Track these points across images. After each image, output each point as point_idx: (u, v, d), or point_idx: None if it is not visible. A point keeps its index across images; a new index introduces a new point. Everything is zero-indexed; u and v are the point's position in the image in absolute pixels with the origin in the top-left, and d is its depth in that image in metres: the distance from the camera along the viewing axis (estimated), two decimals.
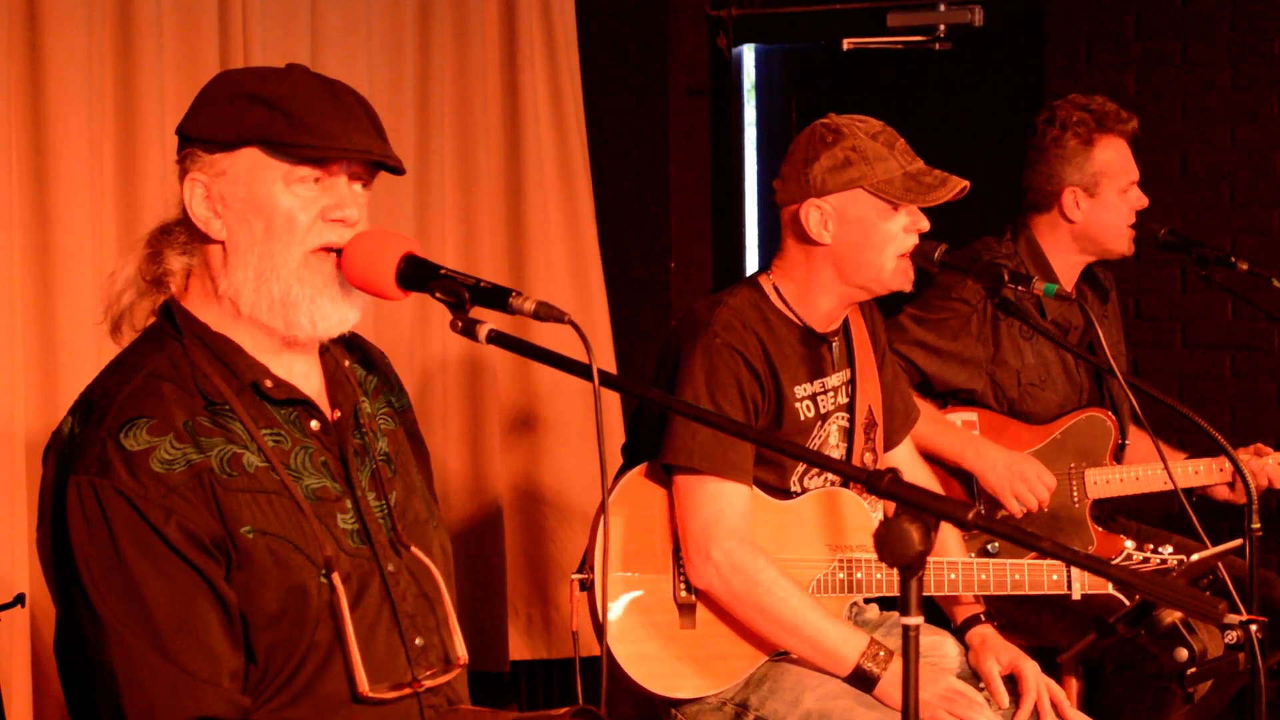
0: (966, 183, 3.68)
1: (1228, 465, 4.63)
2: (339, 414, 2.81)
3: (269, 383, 2.72)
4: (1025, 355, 4.66)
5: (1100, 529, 4.66)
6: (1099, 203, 4.66)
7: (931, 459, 4.42)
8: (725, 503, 3.64)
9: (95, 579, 2.57)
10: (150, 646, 2.56)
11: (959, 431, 4.54)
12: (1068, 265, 4.76)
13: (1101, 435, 4.68)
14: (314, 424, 2.77)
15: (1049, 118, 4.70)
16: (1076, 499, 4.62)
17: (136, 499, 2.55)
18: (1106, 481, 4.65)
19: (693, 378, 3.66)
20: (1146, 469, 4.66)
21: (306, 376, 2.80)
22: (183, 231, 2.75)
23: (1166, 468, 4.22)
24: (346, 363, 2.89)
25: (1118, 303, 5.05)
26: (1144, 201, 4.72)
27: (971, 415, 4.63)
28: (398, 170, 2.76)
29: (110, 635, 2.57)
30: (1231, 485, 4.77)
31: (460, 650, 2.86)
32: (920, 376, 4.60)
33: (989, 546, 4.38)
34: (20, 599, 3.97)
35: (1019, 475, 4.43)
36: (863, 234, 3.70)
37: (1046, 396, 4.70)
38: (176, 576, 2.57)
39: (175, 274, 2.75)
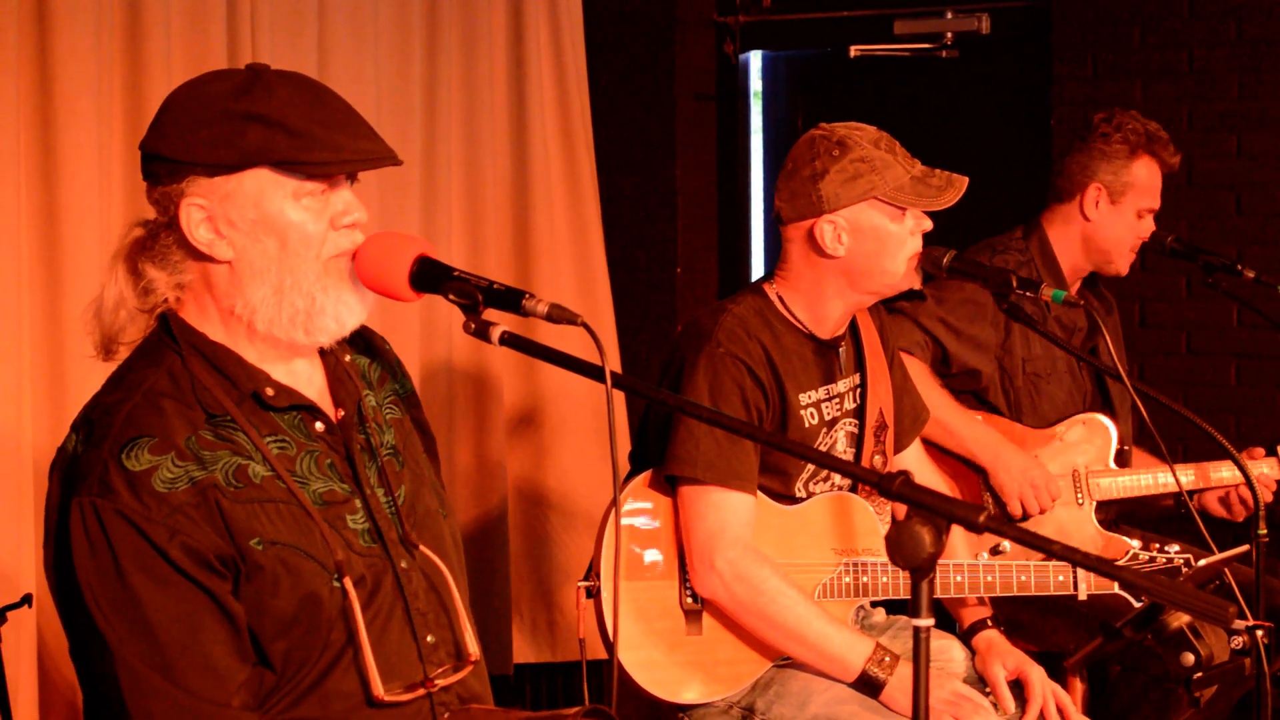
0: (968, 178, 3.71)
1: (1224, 471, 4.69)
2: (343, 412, 2.80)
3: (270, 390, 2.71)
4: (1033, 345, 4.72)
5: (1105, 532, 4.69)
6: (1117, 211, 4.73)
7: (941, 450, 4.47)
8: (729, 512, 3.64)
9: (99, 602, 2.56)
10: (155, 669, 2.56)
11: (981, 427, 4.61)
12: (1074, 268, 4.82)
13: (1102, 439, 4.71)
14: (318, 426, 2.76)
15: (1108, 118, 4.78)
16: (1081, 500, 4.64)
17: (139, 520, 2.54)
18: (1111, 483, 4.68)
19: (696, 387, 3.66)
20: (1148, 473, 4.70)
21: (310, 378, 2.80)
22: (176, 250, 2.70)
23: (1172, 468, 4.23)
24: (348, 358, 2.88)
25: (1119, 321, 5.09)
26: (1150, 231, 4.80)
27: (978, 417, 4.67)
28: (398, 164, 2.75)
29: (116, 659, 2.56)
30: (1225, 500, 4.81)
31: (472, 646, 2.86)
32: (941, 351, 4.64)
33: (1000, 545, 4.40)
34: (27, 599, 3.97)
35: (1030, 481, 4.53)
36: (878, 242, 3.70)
37: (1051, 390, 4.76)
38: (181, 596, 2.57)
39: (168, 291, 2.72)
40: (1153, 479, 4.70)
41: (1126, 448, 4.81)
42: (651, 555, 3.72)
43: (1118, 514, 4.91)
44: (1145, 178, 4.75)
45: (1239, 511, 4.79)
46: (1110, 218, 4.74)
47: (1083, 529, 4.66)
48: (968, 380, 4.71)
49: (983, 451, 4.56)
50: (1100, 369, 4.66)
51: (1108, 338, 4.28)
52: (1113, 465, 4.73)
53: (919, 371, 4.44)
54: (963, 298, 4.65)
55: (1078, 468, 4.66)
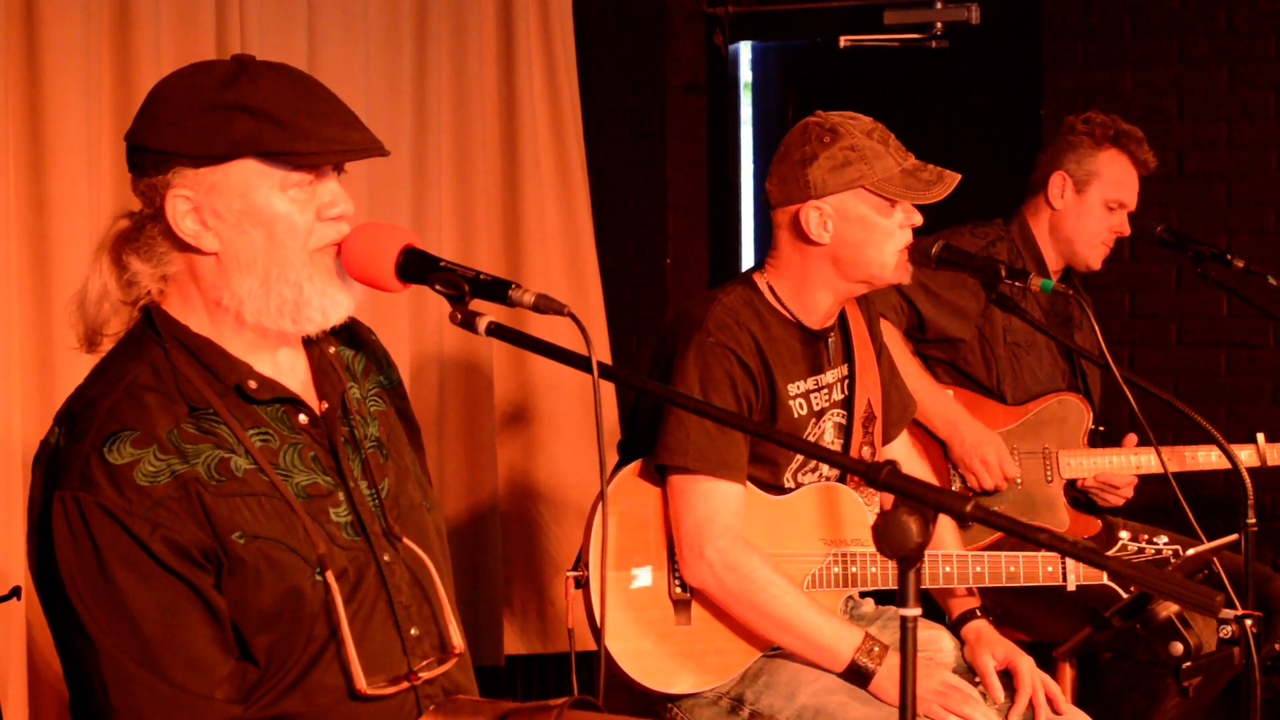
0: (959, 175, 3.70)
1: (1200, 455, 4.73)
2: (326, 405, 2.79)
3: (252, 383, 2.70)
4: (1014, 316, 4.74)
5: (1073, 510, 4.72)
6: (1081, 202, 4.80)
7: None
8: (719, 501, 3.64)
9: (82, 595, 2.55)
10: (139, 662, 2.55)
11: (944, 398, 4.67)
12: (1050, 259, 4.87)
13: (1075, 418, 4.75)
14: (302, 418, 2.75)
15: (1083, 116, 4.86)
16: (1049, 478, 4.68)
17: (121, 514, 2.53)
18: (1080, 462, 4.72)
19: (686, 376, 3.66)
20: (1120, 452, 4.72)
21: (293, 369, 2.78)
22: (161, 242, 2.69)
23: (1157, 449, 4.24)
24: (332, 349, 2.86)
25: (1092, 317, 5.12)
26: (1125, 230, 4.85)
27: (948, 392, 4.71)
28: (385, 154, 2.74)
29: (99, 652, 2.56)
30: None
31: (456, 639, 2.85)
32: (917, 318, 4.67)
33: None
34: (16, 592, 3.97)
35: (979, 456, 4.62)
36: (864, 232, 3.70)
37: (1031, 362, 4.82)
38: (163, 590, 2.56)
39: (152, 284, 2.70)
40: (1123, 459, 4.74)
41: (1100, 428, 4.84)
42: (641, 544, 3.71)
43: (1088, 499, 4.94)
44: (1112, 170, 4.79)
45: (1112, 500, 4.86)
46: (1076, 207, 4.80)
47: (1051, 506, 4.70)
48: (945, 349, 4.74)
49: (941, 424, 4.64)
50: (1082, 354, 4.71)
51: (1094, 324, 4.29)
52: (1086, 446, 4.77)
53: (892, 336, 4.46)
54: None
55: (1048, 445, 4.70)
